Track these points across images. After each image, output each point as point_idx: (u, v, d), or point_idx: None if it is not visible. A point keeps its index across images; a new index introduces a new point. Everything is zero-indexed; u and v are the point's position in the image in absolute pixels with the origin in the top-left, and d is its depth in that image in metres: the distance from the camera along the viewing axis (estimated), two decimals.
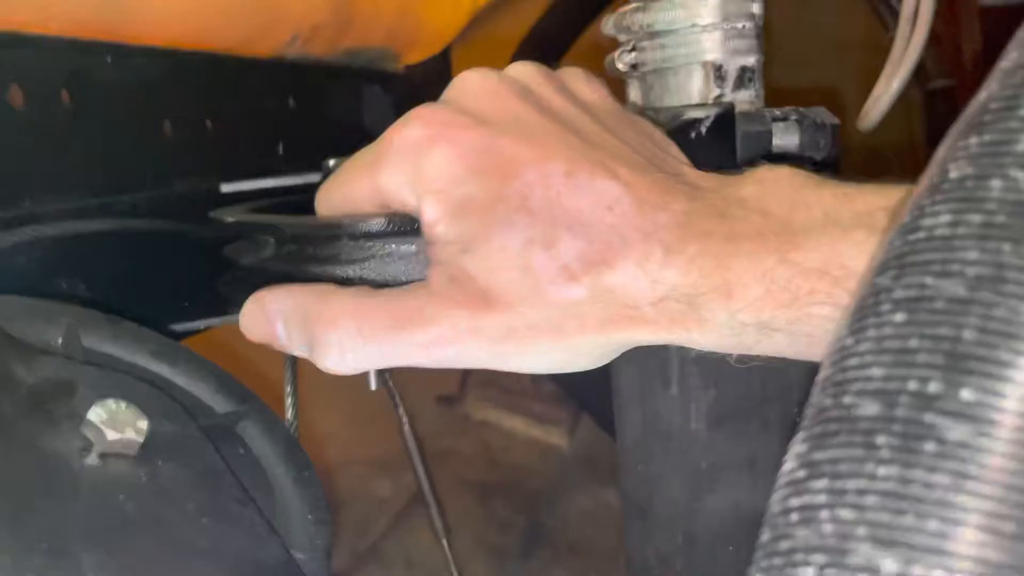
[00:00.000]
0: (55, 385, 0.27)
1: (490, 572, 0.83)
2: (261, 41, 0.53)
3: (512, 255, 0.27)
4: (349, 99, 0.64)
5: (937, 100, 1.03)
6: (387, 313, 0.28)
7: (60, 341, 0.30)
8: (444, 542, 0.77)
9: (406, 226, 0.29)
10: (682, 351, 0.41)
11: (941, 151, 0.15)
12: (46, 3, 0.39)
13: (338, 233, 0.30)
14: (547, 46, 0.82)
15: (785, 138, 0.37)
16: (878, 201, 0.26)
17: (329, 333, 0.28)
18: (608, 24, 0.43)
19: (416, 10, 0.66)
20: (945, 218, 0.14)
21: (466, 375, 1.00)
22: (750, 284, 0.25)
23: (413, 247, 0.30)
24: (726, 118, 0.36)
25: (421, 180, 0.28)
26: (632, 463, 0.46)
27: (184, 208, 0.45)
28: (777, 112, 0.38)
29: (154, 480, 0.26)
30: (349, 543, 0.78)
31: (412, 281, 0.29)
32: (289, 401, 0.43)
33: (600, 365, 0.29)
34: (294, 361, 0.43)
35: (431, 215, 0.28)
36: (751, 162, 0.36)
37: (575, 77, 0.33)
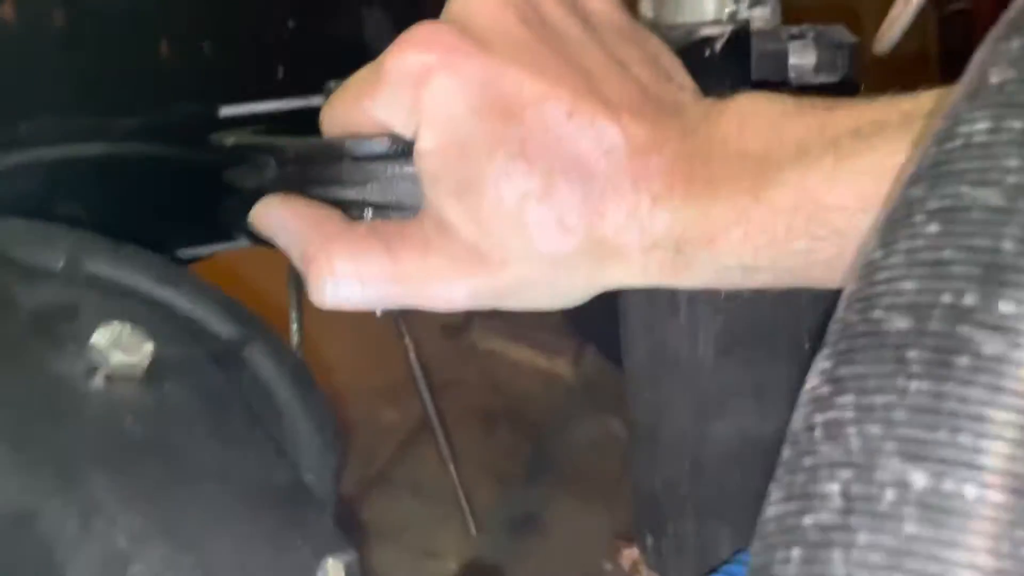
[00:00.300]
0: (57, 308, 0.27)
1: (496, 498, 0.85)
2: None
3: (507, 210, 0.27)
4: (350, 19, 0.62)
5: (954, 23, 1.01)
6: (384, 259, 0.28)
7: (61, 265, 0.30)
8: (451, 468, 0.78)
9: (408, 148, 0.29)
10: None
11: (980, 55, 0.14)
12: None
13: (340, 155, 0.30)
14: None
15: (802, 57, 0.36)
16: (846, 123, 0.25)
17: (323, 270, 0.28)
18: None
19: None
20: (984, 124, 0.13)
21: None
22: (730, 228, 0.26)
23: (416, 169, 0.29)
24: (741, 37, 0.35)
25: (419, 110, 0.27)
26: (639, 390, 0.46)
27: (183, 131, 0.44)
28: (794, 30, 0.37)
29: (161, 403, 0.26)
30: (356, 470, 0.79)
31: (416, 205, 0.29)
32: (294, 327, 0.43)
33: (582, 303, 0.30)
34: (299, 284, 0.43)
35: (426, 146, 0.27)
36: (764, 83, 0.35)
37: None
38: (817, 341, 0.14)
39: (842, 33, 0.39)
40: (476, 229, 0.27)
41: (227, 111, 0.48)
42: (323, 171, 0.31)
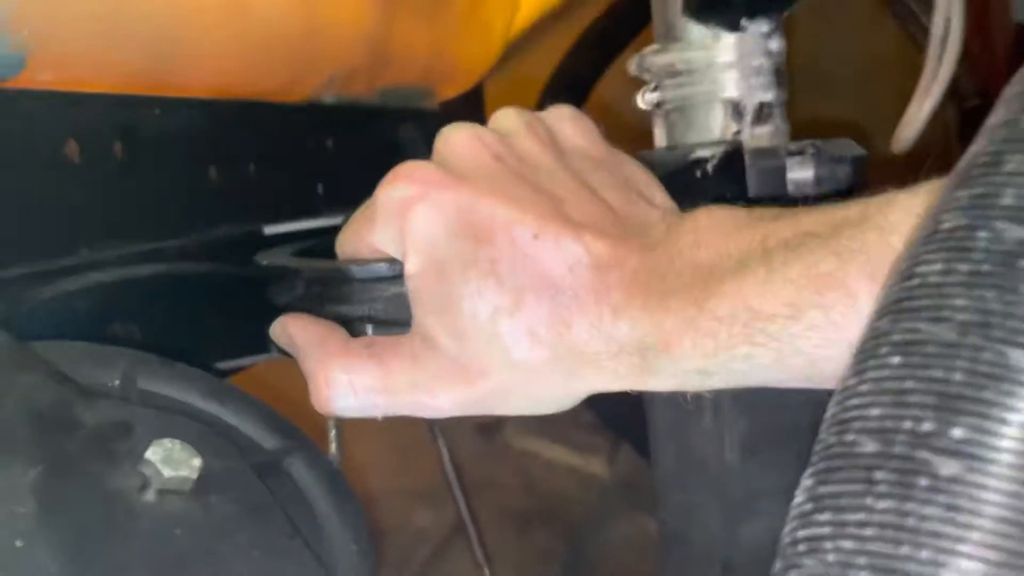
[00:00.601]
0: (114, 426, 0.29)
1: None
2: (299, 86, 0.55)
3: (481, 324, 0.29)
4: (385, 138, 0.66)
5: (973, 119, 1.03)
6: (376, 372, 0.31)
7: (117, 384, 0.32)
8: (485, 572, 0.78)
9: (403, 270, 0.32)
10: None
11: (936, 203, 0.16)
12: (100, 61, 0.41)
13: (345, 277, 0.33)
14: (576, 80, 0.84)
15: (800, 172, 0.38)
16: (783, 234, 0.27)
17: (319, 380, 0.31)
18: (632, 65, 0.44)
19: (449, 48, 0.68)
20: (937, 266, 0.15)
21: None
22: (681, 336, 0.27)
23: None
24: (734, 155, 0.37)
25: (405, 237, 0.31)
26: (668, 493, 0.47)
27: (230, 250, 0.47)
28: (792, 146, 0.39)
29: (208, 515, 0.27)
30: (392, 574, 0.79)
31: (410, 320, 0.32)
32: (332, 433, 0.44)
33: (568, 408, 0.31)
34: None
35: (411, 268, 0.31)
36: (760, 199, 0.37)
37: (561, 120, 0.34)
38: None
39: (847, 146, 0.41)
40: (456, 343, 0.30)
41: (270, 229, 0.52)
42: (334, 291, 0.34)
